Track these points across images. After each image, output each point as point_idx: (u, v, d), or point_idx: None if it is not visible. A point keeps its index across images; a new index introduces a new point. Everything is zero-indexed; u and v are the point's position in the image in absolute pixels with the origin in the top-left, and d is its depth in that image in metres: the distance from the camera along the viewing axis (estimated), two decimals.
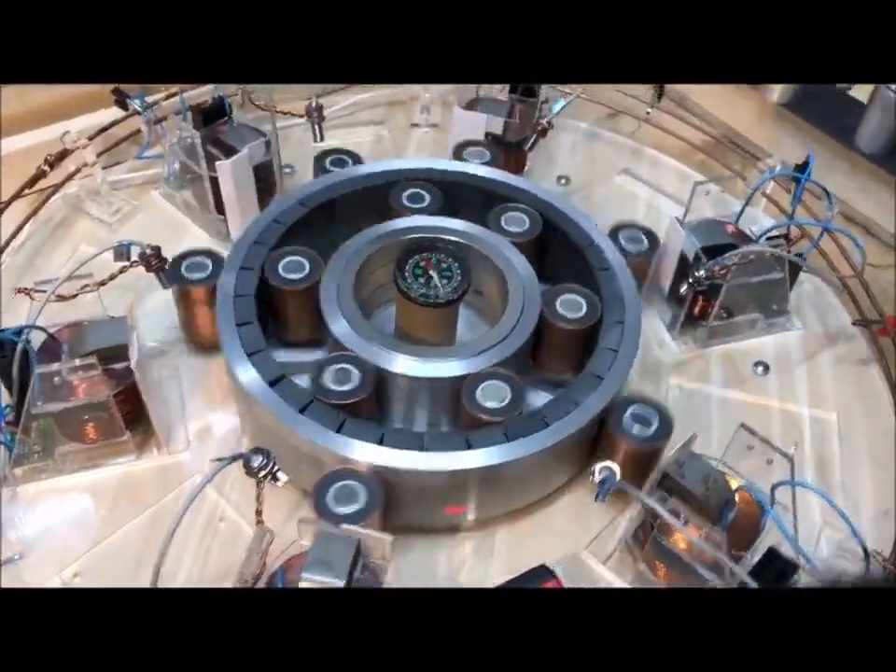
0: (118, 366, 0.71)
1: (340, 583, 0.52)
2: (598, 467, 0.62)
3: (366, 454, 0.66)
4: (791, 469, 0.63)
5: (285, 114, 0.96)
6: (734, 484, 0.67)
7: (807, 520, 0.71)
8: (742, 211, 0.86)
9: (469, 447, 0.67)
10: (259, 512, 0.60)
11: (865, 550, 0.62)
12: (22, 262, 0.91)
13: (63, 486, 0.74)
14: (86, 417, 0.72)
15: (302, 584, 0.52)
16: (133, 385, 0.71)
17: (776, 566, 0.58)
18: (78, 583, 0.69)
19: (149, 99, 0.95)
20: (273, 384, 0.70)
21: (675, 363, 0.88)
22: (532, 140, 0.94)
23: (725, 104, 1.16)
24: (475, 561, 0.72)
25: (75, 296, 0.72)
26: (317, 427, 0.67)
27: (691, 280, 0.79)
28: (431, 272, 0.75)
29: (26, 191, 0.89)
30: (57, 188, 0.93)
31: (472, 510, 0.71)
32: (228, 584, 0.65)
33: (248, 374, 0.70)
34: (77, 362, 0.67)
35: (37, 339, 0.72)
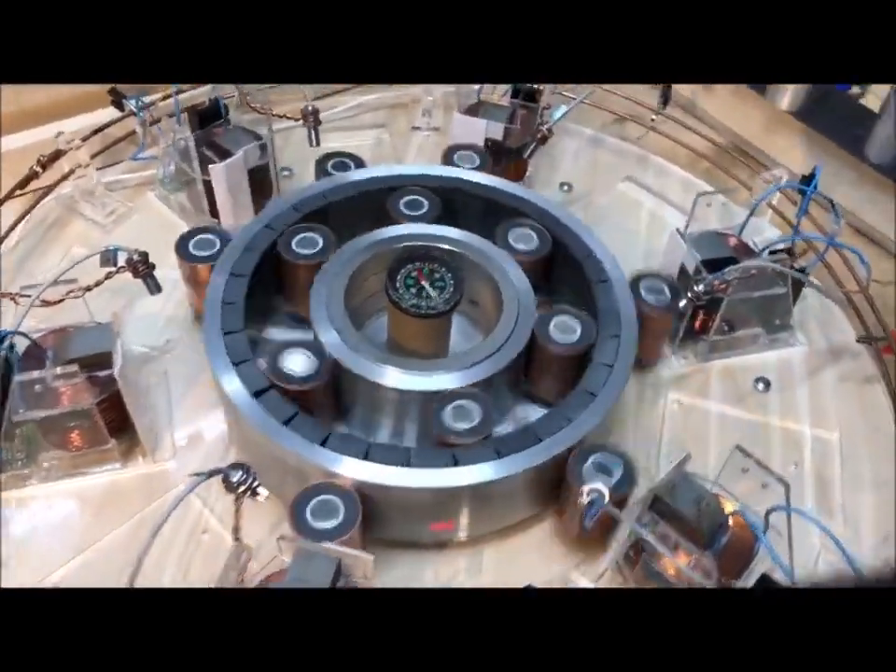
0: (102, 373, 0.69)
1: None
2: (587, 488, 0.60)
3: (350, 468, 0.64)
4: (787, 494, 0.61)
5: (280, 117, 0.95)
6: (728, 507, 0.65)
7: (806, 543, 0.69)
8: (745, 224, 0.84)
9: (457, 464, 0.65)
10: (236, 529, 0.59)
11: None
12: (14, 264, 0.90)
13: (47, 493, 0.73)
14: (71, 424, 0.71)
15: None
16: (118, 393, 0.70)
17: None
18: None
19: (146, 100, 0.95)
20: (257, 394, 0.68)
21: (674, 377, 0.86)
22: (531, 147, 0.92)
23: (733, 111, 1.14)
24: (462, 578, 0.71)
25: (60, 301, 0.71)
26: (301, 441, 0.65)
27: (689, 295, 0.77)
28: (423, 282, 0.74)
29: (17, 192, 0.88)
30: (50, 189, 0.92)
31: (460, 527, 0.70)
32: None
33: (233, 384, 0.69)
34: (59, 370, 0.66)
35: (25, 344, 0.71)
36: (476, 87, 0.99)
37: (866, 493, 0.78)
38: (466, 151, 0.94)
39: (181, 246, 0.80)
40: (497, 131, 0.95)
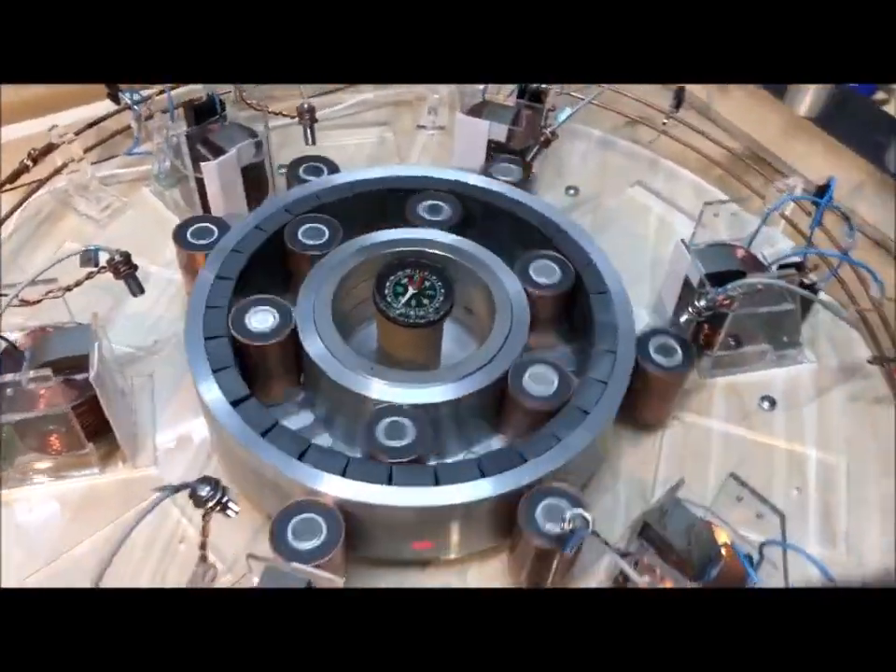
0: (79, 377, 0.68)
1: None
2: (570, 514, 0.57)
3: (328, 485, 0.62)
4: (782, 526, 0.58)
5: (276, 114, 0.92)
6: (721, 537, 0.62)
7: (804, 574, 0.65)
8: (754, 235, 0.80)
9: (438, 482, 0.63)
10: (203, 545, 0.56)
11: None
12: (5, 258, 0.89)
13: (24, 497, 0.72)
14: (49, 428, 0.70)
15: None
16: (97, 396, 0.68)
17: None
18: None
19: (144, 93, 0.93)
20: (236, 403, 0.66)
21: None
22: (534, 150, 0.89)
23: (749, 115, 1.10)
24: None
25: (38, 301, 0.69)
26: (278, 453, 0.63)
27: (691, 309, 0.73)
28: (412, 290, 0.71)
29: (6, 187, 0.86)
30: (41, 183, 0.90)
31: (443, 546, 0.67)
32: None
33: (212, 392, 0.67)
34: (32, 373, 0.64)
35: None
36: (481, 86, 0.96)
37: (873, 522, 0.74)
38: (506, 164, 0.90)
39: (179, 234, 0.79)
40: (500, 132, 0.92)
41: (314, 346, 0.71)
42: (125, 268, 0.71)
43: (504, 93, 0.96)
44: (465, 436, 0.73)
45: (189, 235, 0.80)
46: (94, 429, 0.71)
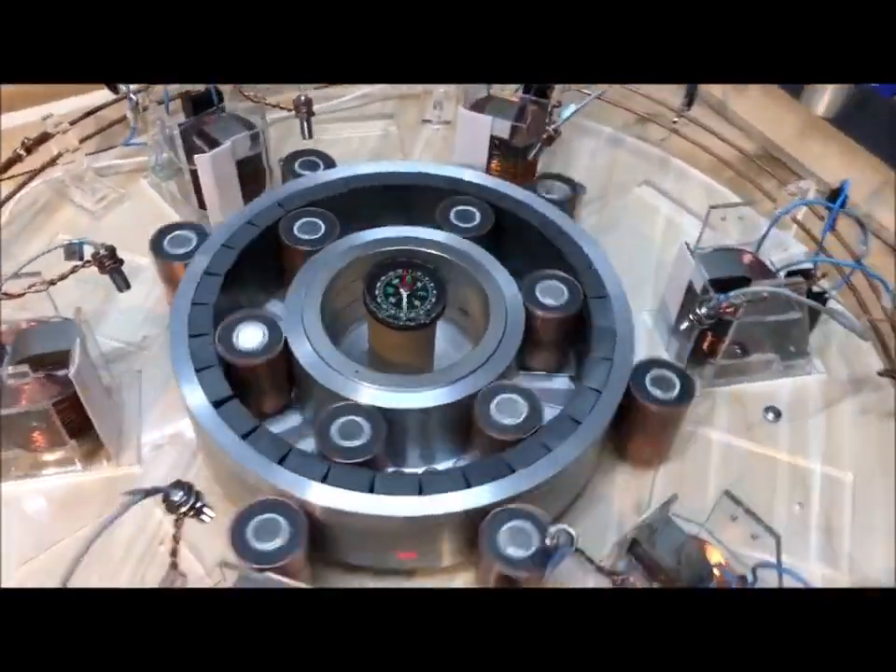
0: (61, 372, 0.66)
1: None
2: (553, 529, 0.55)
3: (307, 491, 0.60)
4: (777, 548, 0.55)
5: (273, 106, 0.90)
6: (714, 557, 0.59)
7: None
8: (763, 240, 0.77)
9: (422, 492, 0.61)
10: (174, 552, 0.55)
11: None
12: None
13: (7, 493, 0.70)
14: (32, 424, 0.69)
15: None
16: None
17: None
18: None
19: None
20: (218, 404, 0.64)
21: None
22: (536, 148, 0.86)
23: (765, 114, 1.06)
24: None
25: (21, 295, 0.68)
26: (258, 457, 0.62)
27: (692, 317, 0.70)
28: (403, 291, 0.69)
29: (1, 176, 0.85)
30: (35, 173, 0.89)
31: (427, 556, 0.65)
32: None
33: (194, 391, 0.65)
34: (11, 369, 0.63)
35: None
36: None
37: (878, 541, 0.71)
38: (556, 182, 0.87)
39: (156, 243, 0.76)
40: (503, 129, 0.89)
41: (301, 349, 0.69)
42: (110, 262, 0.69)
43: (510, 89, 0.94)
44: (454, 443, 0.71)
45: (166, 244, 0.77)
46: (77, 426, 0.69)
